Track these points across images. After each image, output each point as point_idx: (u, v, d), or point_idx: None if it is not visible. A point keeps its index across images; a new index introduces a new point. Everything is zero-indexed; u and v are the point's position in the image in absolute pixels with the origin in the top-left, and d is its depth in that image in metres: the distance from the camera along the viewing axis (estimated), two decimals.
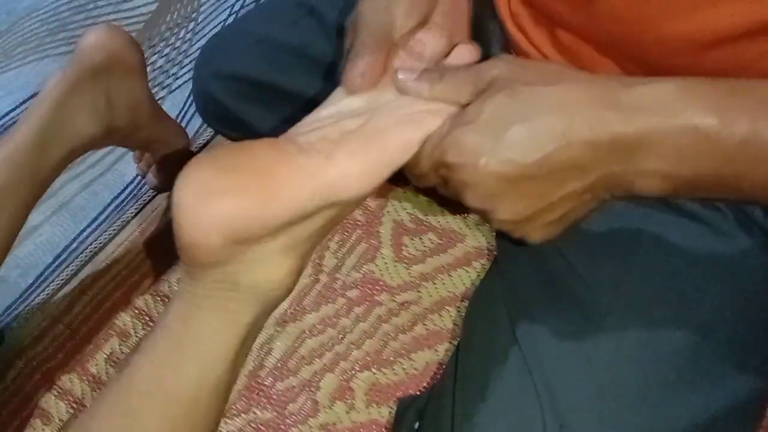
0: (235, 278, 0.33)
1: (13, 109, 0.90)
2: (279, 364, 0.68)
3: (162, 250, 0.78)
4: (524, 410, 0.41)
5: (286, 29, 0.64)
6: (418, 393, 0.64)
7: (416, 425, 0.50)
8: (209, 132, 0.87)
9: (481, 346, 0.47)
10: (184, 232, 0.32)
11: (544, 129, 0.33)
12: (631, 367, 0.41)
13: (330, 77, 0.66)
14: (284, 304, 0.64)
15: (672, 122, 0.31)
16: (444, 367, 0.63)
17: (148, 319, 0.73)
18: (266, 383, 0.67)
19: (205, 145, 0.86)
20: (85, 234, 0.80)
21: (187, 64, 0.95)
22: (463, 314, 0.67)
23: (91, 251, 0.79)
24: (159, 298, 0.75)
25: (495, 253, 0.67)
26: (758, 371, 0.42)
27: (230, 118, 0.71)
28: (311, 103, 0.67)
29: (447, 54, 0.42)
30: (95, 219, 0.81)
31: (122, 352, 0.72)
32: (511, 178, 0.34)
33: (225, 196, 0.31)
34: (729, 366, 0.41)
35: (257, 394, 0.66)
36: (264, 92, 0.68)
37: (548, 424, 0.40)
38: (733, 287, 0.42)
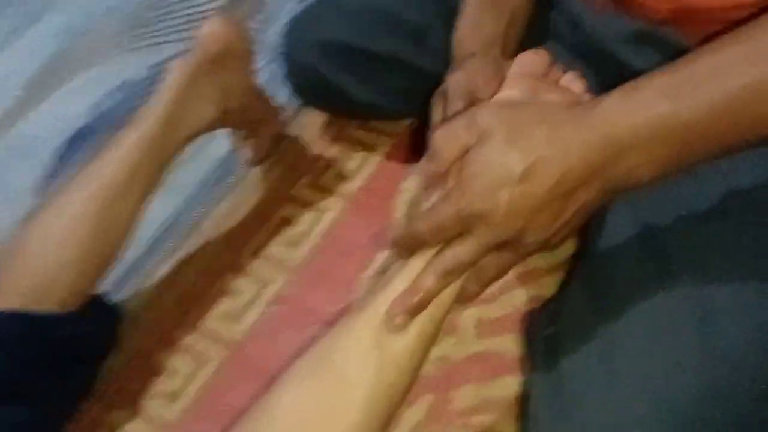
0: None
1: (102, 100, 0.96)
2: None
3: (261, 217, 0.83)
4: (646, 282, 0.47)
5: None
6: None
7: (550, 331, 0.55)
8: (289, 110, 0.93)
9: (605, 245, 0.53)
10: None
11: (547, 162, 0.39)
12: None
13: (422, 42, 0.72)
14: None
15: (633, 118, 0.38)
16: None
17: (256, 278, 0.78)
18: None
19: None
20: (187, 207, 0.86)
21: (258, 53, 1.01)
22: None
23: (194, 222, 0.84)
24: (264, 259, 0.80)
25: None
26: None
27: (325, 87, 0.77)
28: (404, 69, 0.73)
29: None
30: (196, 193, 0.87)
31: (236, 310, 0.77)
32: (533, 207, 0.39)
33: None
34: None
35: None
36: (360, 58, 0.74)
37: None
38: None
